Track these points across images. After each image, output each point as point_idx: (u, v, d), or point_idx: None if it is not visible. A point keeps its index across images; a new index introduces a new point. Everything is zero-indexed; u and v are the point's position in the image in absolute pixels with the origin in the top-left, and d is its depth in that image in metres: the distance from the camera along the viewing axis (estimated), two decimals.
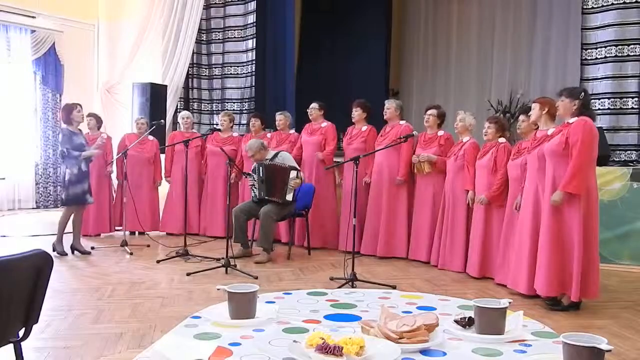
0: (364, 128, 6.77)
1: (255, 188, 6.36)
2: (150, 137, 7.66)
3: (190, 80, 10.39)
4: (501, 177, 5.43)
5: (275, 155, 6.46)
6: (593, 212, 4.43)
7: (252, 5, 10.02)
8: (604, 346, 2.24)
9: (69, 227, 6.36)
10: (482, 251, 5.56)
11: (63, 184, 6.28)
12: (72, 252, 6.39)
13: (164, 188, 7.91)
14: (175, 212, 7.64)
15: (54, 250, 6.23)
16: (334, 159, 7.05)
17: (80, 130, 6.43)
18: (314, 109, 7.14)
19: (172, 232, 7.70)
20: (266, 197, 6.24)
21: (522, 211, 4.95)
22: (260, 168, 6.28)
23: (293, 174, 6.18)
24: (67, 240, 6.38)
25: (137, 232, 7.66)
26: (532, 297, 4.72)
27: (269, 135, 7.56)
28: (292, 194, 6.21)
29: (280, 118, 7.44)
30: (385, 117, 6.64)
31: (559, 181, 4.41)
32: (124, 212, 6.95)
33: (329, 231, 6.97)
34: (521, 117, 5.44)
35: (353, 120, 6.85)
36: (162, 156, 7.90)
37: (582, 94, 4.49)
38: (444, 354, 3.28)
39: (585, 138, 4.32)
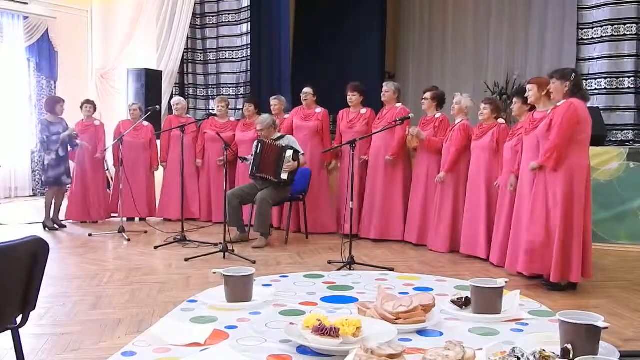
0: (363, 111, 6.73)
1: (249, 164, 6.33)
2: (145, 123, 7.63)
3: (185, 65, 10.31)
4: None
5: (281, 137, 6.43)
6: (578, 194, 4.36)
7: None
8: (600, 323, 2.26)
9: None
10: (487, 232, 5.57)
11: (43, 168, 7.23)
12: (53, 225, 7.11)
13: (160, 173, 7.90)
14: (172, 197, 7.63)
15: (44, 228, 7.00)
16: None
17: (61, 118, 7.21)
18: (309, 94, 7.05)
19: (169, 218, 7.70)
20: (257, 174, 6.23)
21: (519, 192, 4.94)
22: (259, 145, 6.25)
23: (288, 153, 6.15)
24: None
25: (137, 218, 7.68)
26: (529, 278, 4.74)
27: None
28: (287, 174, 6.16)
29: (275, 103, 7.38)
30: (383, 100, 6.61)
31: None
32: (120, 199, 6.95)
33: (325, 215, 6.96)
34: (514, 99, 5.42)
35: (350, 105, 6.79)
36: (158, 142, 7.88)
37: (573, 75, 4.48)
38: (441, 334, 3.31)
39: (566, 119, 4.32)
